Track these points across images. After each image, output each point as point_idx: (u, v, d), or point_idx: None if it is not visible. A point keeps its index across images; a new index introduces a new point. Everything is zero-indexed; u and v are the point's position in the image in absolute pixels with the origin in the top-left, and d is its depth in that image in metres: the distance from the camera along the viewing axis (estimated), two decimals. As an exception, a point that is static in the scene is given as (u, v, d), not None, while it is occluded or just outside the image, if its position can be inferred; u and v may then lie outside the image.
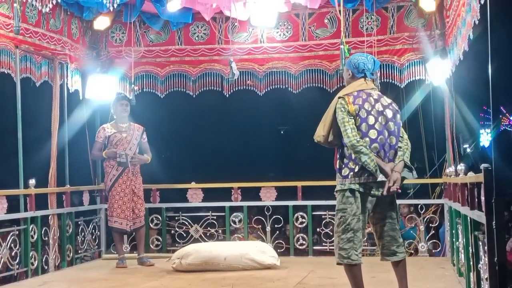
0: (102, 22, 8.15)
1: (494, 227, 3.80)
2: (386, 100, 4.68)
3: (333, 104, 4.64)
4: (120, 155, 7.33)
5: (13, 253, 6.48)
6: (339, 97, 4.63)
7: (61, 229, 7.40)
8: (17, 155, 6.81)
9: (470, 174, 4.95)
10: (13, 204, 6.73)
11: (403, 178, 4.55)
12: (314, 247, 8.09)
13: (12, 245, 6.47)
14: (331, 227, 7.75)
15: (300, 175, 9.09)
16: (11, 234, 6.50)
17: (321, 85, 8.19)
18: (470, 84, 9.77)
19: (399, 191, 4.54)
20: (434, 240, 7.88)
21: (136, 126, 7.61)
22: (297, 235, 8.08)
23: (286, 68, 8.26)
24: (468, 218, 4.91)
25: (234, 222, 8.23)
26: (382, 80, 7.78)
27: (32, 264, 6.76)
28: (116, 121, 7.57)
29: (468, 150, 13.89)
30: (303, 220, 8.01)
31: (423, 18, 7.77)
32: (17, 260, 6.53)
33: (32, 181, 6.85)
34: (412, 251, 7.88)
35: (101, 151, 7.50)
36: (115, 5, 6.04)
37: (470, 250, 4.85)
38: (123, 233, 7.56)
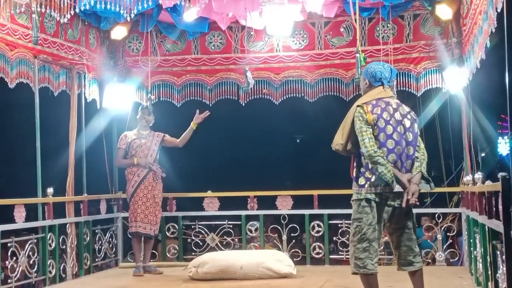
0: (119, 32, 8.22)
1: (512, 236, 3.77)
2: (404, 109, 4.66)
3: (351, 112, 4.62)
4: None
5: (31, 261, 6.53)
6: (358, 106, 4.61)
7: (78, 238, 7.45)
8: (35, 163, 6.87)
9: (488, 182, 4.91)
10: (31, 213, 6.79)
11: (420, 190, 4.53)
12: (331, 256, 8.06)
13: (30, 253, 6.52)
14: (347, 236, 7.71)
15: (316, 183, 9.07)
16: (29, 242, 6.55)
17: (337, 94, 8.18)
18: (487, 92, 9.71)
19: (418, 203, 4.52)
20: (452, 249, 7.82)
21: (156, 134, 7.67)
22: (314, 244, 8.06)
23: (302, 76, 8.27)
24: (486, 227, 4.87)
25: (250, 231, 8.22)
26: (399, 89, 7.76)
27: (50, 272, 6.80)
28: (138, 128, 7.65)
29: (483, 155, 13.79)
30: (320, 229, 7.99)
31: (440, 26, 7.75)
32: (35, 268, 6.57)
33: (50, 190, 6.90)
34: (430, 261, 7.82)
35: (125, 158, 7.55)
36: (133, 15, 6.09)
37: (488, 260, 4.81)
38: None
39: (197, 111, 7.66)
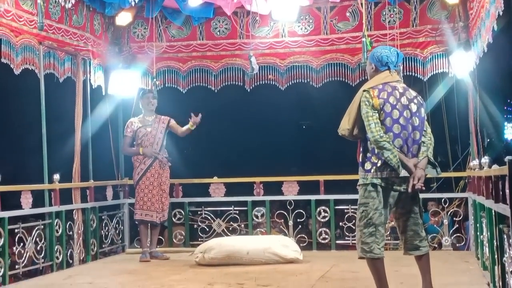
0: (124, 18, 8.19)
1: (519, 220, 3.76)
2: (411, 93, 4.63)
3: (358, 97, 4.60)
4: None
5: (38, 247, 6.56)
6: (364, 90, 4.59)
7: (85, 224, 7.48)
8: (41, 150, 6.90)
9: (495, 167, 4.90)
10: (38, 199, 6.82)
11: (426, 175, 4.52)
12: (337, 241, 8.07)
13: (37, 239, 6.56)
14: (353, 221, 7.72)
15: (322, 169, 9.06)
16: (36, 228, 6.58)
17: (343, 79, 8.15)
18: (494, 76, 9.66)
19: (423, 188, 4.51)
20: (458, 234, 7.81)
21: (162, 119, 7.65)
22: (320, 229, 8.06)
23: (307, 62, 8.24)
24: (493, 211, 4.86)
25: (257, 217, 8.23)
26: (405, 74, 7.73)
27: (57, 258, 6.83)
28: (143, 114, 7.63)
29: (490, 140, 13.75)
30: (326, 214, 7.99)
31: (446, 10, 7.69)
32: (42, 254, 6.61)
33: (56, 176, 6.92)
34: (436, 245, 7.83)
35: (131, 146, 7.55)
36: (137, 1, 6.06)
37: (495, 244, 4.80)
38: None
39: (192, 114, 7.59)
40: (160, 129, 7.58)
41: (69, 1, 5.87)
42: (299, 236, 8.08)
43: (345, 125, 4.62)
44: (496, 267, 4.84)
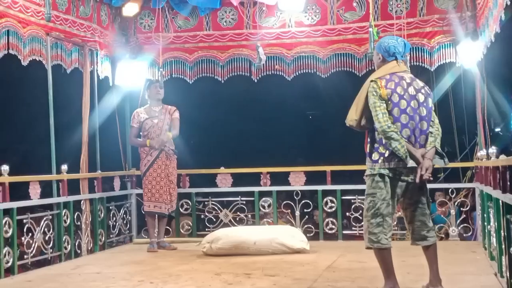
0: (131, 9, 8.18)
1: (526, 210, 3.76)
2: (418, 84, 4.63)
3: (365, 87, 4.59)
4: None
5: (46, 238, 6.60)
6: (371, 81, 4.58)
7: (93, 214, 7.51)
8: (49, 141, 6.92)
9: (502, 157, 4.89)
10: (46, 190, 6.86)
11: (434, 165, 4.51)
12: (344, 232, 8.08)
13: (46, 229, 6.60)
14: (360, 211, 7.74)
15: (328, 159, 9.06)
16: (44, 218, 6.62)
17: (350, 69, 8.13)
18: (502, 66, 9.61)
19: (431, 178, 4.50)
20: (465, 224, 7.81)
21: (168, 109, 7.65)
22: (327, 220, 8.07)
23: (314, 52, 8.22)
24: (500, 201, 4.86)
25: (264, 207, 8.25)
26: (412, 64, 7.70)
27: (65, 248, 6.88)
28: (150, 104, 7.63)
29: (499, 132, 13.70)
30: (332, 204, 8.00)
31: (454, 0, 7.65)
32: (50, 244, 6.65)
33: (64, 167, 6.95)
34: (443, 236, 7.83)
35: (138, 137, 7.56)
36: (144, -9, 6.05)
37: (502, 234, 4.80)
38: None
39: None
40: (167, 121, 7.58)
41: (77, -8, 5.86)
42: (306, 226, 8.09)
43: (352, 116, 4.62)
44: (503, 257, 4.84)
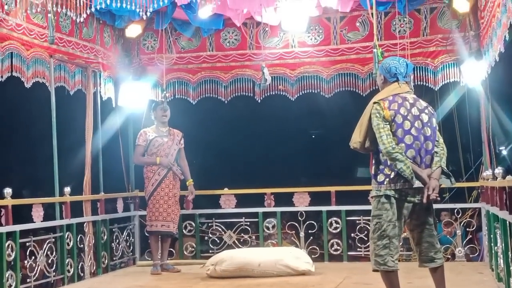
0: (134, 30, 8.21)
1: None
2: (421, 104, 4.61)
3: (368, 109, 4.58)
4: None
5: (49, 261, 6.55)
6: (374, 102, 4.57)
7: (96, 236, 7.46)
8: (52, 163, 6.89)
9: (509, 177, 4.85)
10: (49, 212, 6.81)
11: (441, 185, 4.48)
12: (349, 253, 8.02)
13: (49, 252, 6.55)
14: (365, 232, 7.68)
15: (333, 179, 9.02)
16: (47, 241, 6.58)
17: (354, 89, 8.12)
18: (506, 85, 9.60)
19: (438, 199, 4.47)
20: (472, 245, 7.74)
21: (175, 132, 7.64)
22: (332, 241, 8.01)
23: (317, 72, 8.21)
24: (507, 222, 4.81)
25: (268, 228, 8.19)
26: (416, 83, 7.68)
27: (68, 271, 6.82)
28: (156, 125, 7.61)
29: (504, 152, 13.66)
30: (337, 225, 7.94)
31: (457, 19, 7.66)
32: (53, 267, 6.60)
33: (67, 189, 6.92)
34: (449, 256, 7.75)
35: (143, 156, 7.52)
36: (148, 13, 6.06)
37: (510, 255, 4.75)
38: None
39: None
40: (176, 141, 7.57)
41: (81, 15, 5.85)
42: (310, 247, 8.03)
43: (356, 138, 4.60)
44: (511, 279, 4.78)
